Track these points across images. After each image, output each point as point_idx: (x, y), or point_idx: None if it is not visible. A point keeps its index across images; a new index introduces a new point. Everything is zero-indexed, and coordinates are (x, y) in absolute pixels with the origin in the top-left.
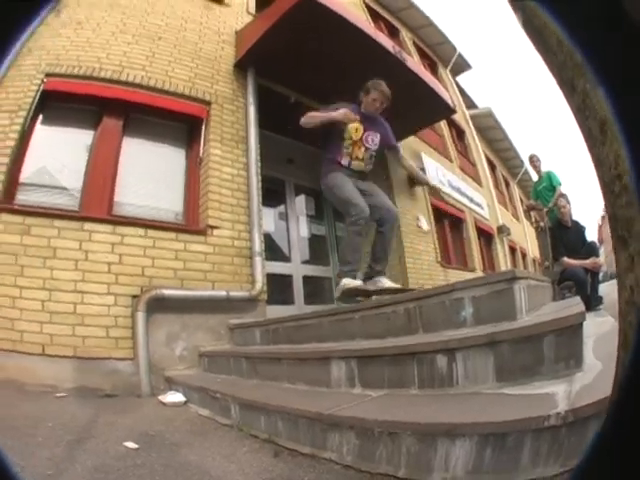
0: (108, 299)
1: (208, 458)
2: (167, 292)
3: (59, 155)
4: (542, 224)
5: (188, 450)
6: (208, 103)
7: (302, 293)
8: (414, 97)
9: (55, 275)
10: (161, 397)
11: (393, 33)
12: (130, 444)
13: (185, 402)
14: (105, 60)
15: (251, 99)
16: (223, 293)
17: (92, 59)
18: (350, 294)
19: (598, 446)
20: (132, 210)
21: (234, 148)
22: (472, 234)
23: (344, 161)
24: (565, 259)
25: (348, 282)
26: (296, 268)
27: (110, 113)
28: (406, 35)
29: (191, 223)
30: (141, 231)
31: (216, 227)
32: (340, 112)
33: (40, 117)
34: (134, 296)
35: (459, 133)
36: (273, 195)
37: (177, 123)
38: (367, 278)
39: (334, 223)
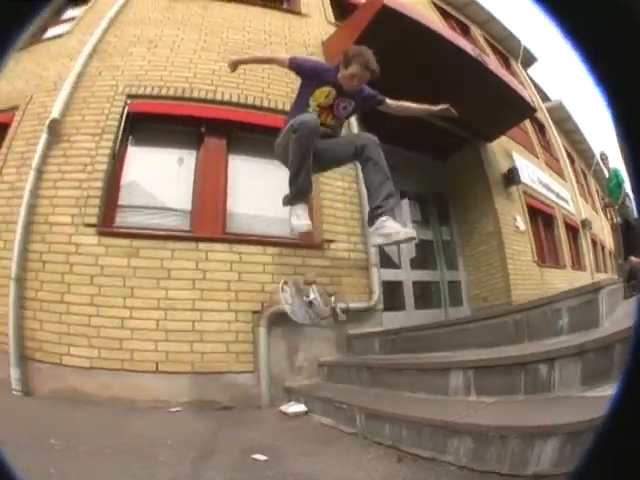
0: (228, 315)
1: (336, 466)
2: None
3: (157, 176)
4: (616, 221)
5: (316, 459)
6: None
7: (412, 298)
8: (497, 99)
9: (170, 295)
10: (283, 407)
11: (465, 31)
12: (259, 456)
13: (306, 412)
14: (194, 80)
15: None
16: (342, 305)
17: (179, 79)
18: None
19: (596, 449)
20: (246, 228)
21: None
22: (562, 230)
23: None
24: (632, 258)
25: (295, 222)
26: (406, 274)
27: (212, 132)
28: (476, 31)
29: (307, 238)
30: (259, 248)
31: (332, 240)
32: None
33: (130, 139)
34: (255, 312)
35: (540, 128)
36: None
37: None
38: (370, 221)
39: (440, 227)
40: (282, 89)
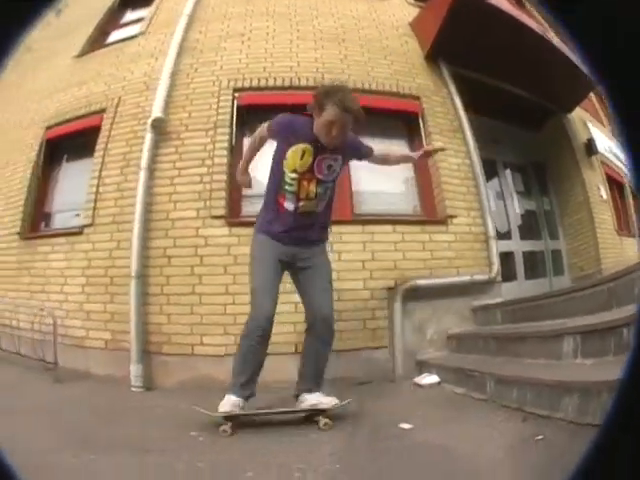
0: (365, 294)
1: (472, 429)
2: (420, 282)
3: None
4: None
5: (455, 424)
6: (417, 98)
7: (522, 268)
8: (565, 74)
9: None
10: (417, 379)
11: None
12: (405, 425)
13: (439, 382)
14: (299, 68)
15: (452, 89)
16: (467, 278)
17: (284, 69)
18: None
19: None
20: (373, 208)
21: (452, 138)
22: (631, 199)
23: (288, 205)
24: None
25: (223, 403)
26: (516, 244)
27: None
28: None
29: (430, 214)
30: (388, 227)
31: (454, 216)
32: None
33: (244, 131)
34: (389, 288)
35: (601, 99)
36: (488, 176)
37: (394, 120)
38: (295, 396)
39: (541, 197)
40: (385, 71)
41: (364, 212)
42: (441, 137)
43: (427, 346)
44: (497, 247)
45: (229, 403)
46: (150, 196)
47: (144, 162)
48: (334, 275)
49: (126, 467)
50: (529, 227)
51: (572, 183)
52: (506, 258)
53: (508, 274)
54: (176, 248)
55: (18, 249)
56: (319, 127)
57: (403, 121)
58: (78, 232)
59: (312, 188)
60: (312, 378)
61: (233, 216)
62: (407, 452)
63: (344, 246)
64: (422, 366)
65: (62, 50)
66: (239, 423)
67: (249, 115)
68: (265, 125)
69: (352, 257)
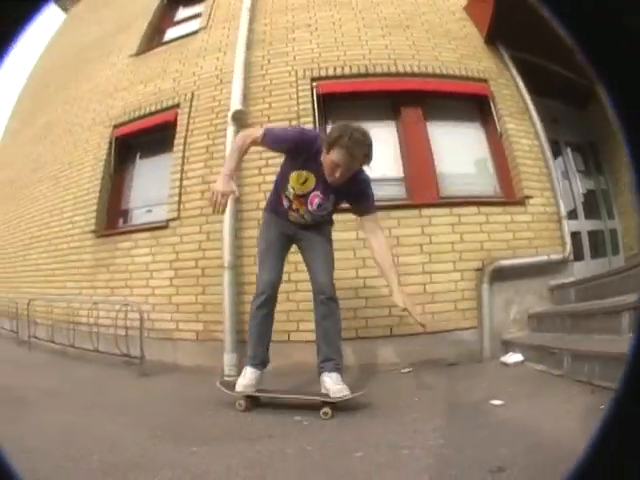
0: (455, 275)
1: (554, 402)
2: (505, 262)
3: None
4: None
5: (538, 399)
6: (485, 80)
7: (588, 248)
8: None
9: (402, 261)
10: (503, 358)
11: None
12: (496, 401)
13: (523, 361)
14: (371, 56)
15: (514, 71)
16: (545, 257)
17: (356, 57)
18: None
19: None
20: (458, 189)
21: (522, 120)
22: None
23: (285, 204)
24: None
25: (242, 383)
26: (582, 224)
27: (406, 104)
28: None
29: (509, 195)
30: (473, 209)
31: (530, 196)
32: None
33: (326, 119)
34: (477, 269)
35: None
36: (553, 156)
37: (465, 103)
38: (318, 374)
39: (598, 176)
40: (451, 55)
41: (450, 194)
42: (511, 119)
43: (511, 326)
44: (569, 227)
45: (245, 378)
46: (239, 187)
47: None
48: (426, 257)
49: (235, 456)
50: (590, 207)
51: (620, 163)
52: (574, 238)
53: (577, 253)
54: None
55: (93, 247)
56: (325, 163)
57: (474, 104)
58: (163, 226)
59: (302, 211)
60: (323, 348)
61: None
62: (500, 426)
63: (434, 229)
64: (507, 345)
65: (115, 50)
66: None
67: (329, 103)
68: (261, 131)
69: (442, 239)
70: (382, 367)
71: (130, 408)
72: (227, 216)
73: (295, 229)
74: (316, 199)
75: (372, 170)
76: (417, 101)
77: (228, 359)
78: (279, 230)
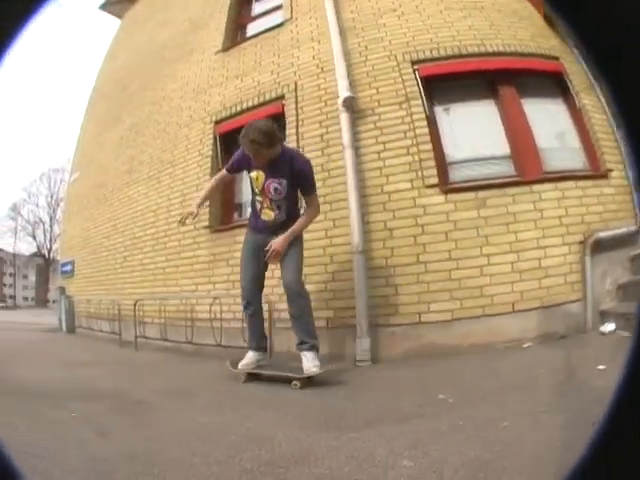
0: (564, 249)
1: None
2: (602, 235)
3: (467, 129)
4: None
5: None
6: (557, 58)
7: None
8: None
9: (519, 237)
10: (602, 328)
11: None
12: (600, 366)
13: (615, 329)
14: (460, 37)
15: (575, 50)
16: (633, 228)
17: (447, 39)
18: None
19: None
20: (555, 165)
21: (592, 95)
22: None
23: (258, 211)
24: None
25: (243, 362)
26: None
27: (500, 82)
28: None
29: (596, 168)
30: (572, 183)
31: (611, 169)
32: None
33: (432, 102)
34: (580, 242)
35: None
36: None
37: (547, 80)
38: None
39: None
40: (525, 34)
41: (550, 170)
42: (585, 95)
43: (605, 296)
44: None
45: (247, 357)
46: (360, 172)
47: (346, 141)
48: (540, 233)
49: (395, 438)
50: None
51: None
52: None
53: None
54: (396, 220)
55: (209, 242)
56: None
57: (553, 81)
58: None
59: (268, 203)
60: (297, 334)
61: (444, 183)
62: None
63: (544, 204)
64: (603, 315)
65: (197, 48)
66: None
67: (431, 84)
68: (223, 171)
69: (551, 214)
70: (504, 344)
71: (266, 402)
72: (353, 201)
73: (266, 237)
74: (270, 186)
75: (474, 149)
76: (509, 79)
77: (361, 344)
78: (255, 244)
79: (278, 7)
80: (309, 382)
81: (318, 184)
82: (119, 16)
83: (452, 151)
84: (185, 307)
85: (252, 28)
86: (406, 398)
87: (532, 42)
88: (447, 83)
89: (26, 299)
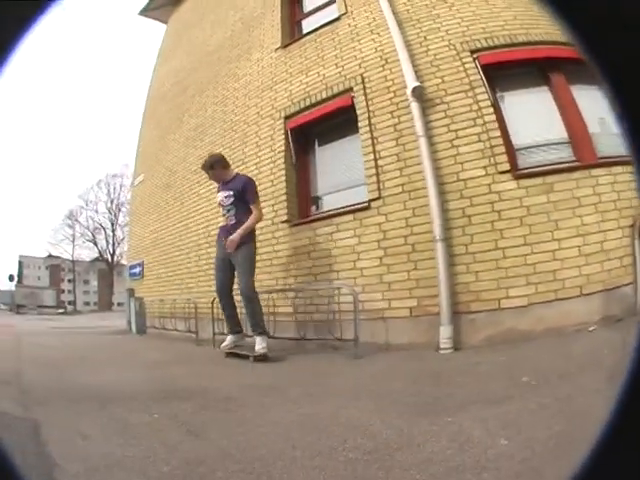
0: (618, 232)
1: None
2: None
3: (527, 115)
4: None
5: None
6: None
7: None
8: None
9: (584, 221)
10: None
11: None
12: None
13: None
14: (507, 26)
15: None
16: None
17: (497, 29)
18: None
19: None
20: (605, 149)
21: None
22: None
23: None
24: None
25: (223, 345)
26: None
27: (551, 70)
28: None
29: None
30: (621, 168)
31: None
32: None
33: (494, 89)
34: (630, 226)
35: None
36: None
37: (582, 67)
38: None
39: None
40: (545, 23)
41: (601, 154)
42: None
43: None
44: None
45: (227, 340)
46: (435, 161)
47: (419, 130)
48: (600, 217)
49: (489, 418)
50: None
51: None
52: None
53: None
54: (473, 207)
55: (288, 236)
56: None
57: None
58: (365, 207)
59: (223, 212)
60: (250, 325)
61: (515, 169)
62: None
63: (601, 188)
64: None
65: (255, 46)
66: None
67: (492, 73)
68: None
69: (607, 198)
70: (573, 327)
71: (359, 391)
72: (431, 190)
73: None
74: (222, 195)
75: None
76: (557, 67)
77: (444, 332)
78: (219, 254)
79: (332, 1)
80: (263, 358)
81: (395, 174)
82: (162, 20)
83: (517, 137)
84: (265, 302)
85: (308, 24)
86: (493, 382)
87: (551, 29)
88: (503, 71)
89: (87, 304)
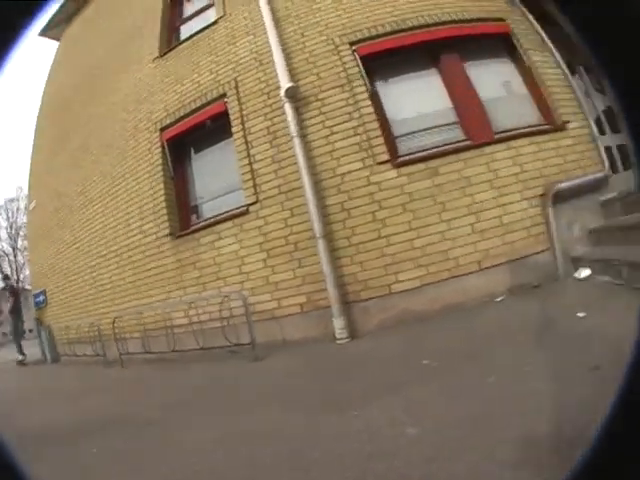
0: (523, 204)
1: (620, 309)
2: (562, 185)
3: (412, 101)
4: None
5: (612, 306)
6: (503, 19)
7: (620, 162)
8: None
9: (476, 199)
10: (576, 274)
11: None
12: (580, 314)
13: (590, 274)
14: (397, 12)
15: (523, 7)
16: (592, 176)
17: (385, 16)
18: None
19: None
20: (507, 123)
21: (543, 51)
22: None
23: None
24: None
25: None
26: (611, 139)
27: (442, 52)
28: None
29: (551, 122)
30: (525, 140)
31: (568, 121)
32: None
33: (375, 80)
34: (541, 195)
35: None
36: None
37: (493, 42)
38: None
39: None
40: (474, 3)
41: (502, 129)
42: (534, 52)
43: (576, 243)
44: (604, 147)
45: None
46: (311, 159)
47: (293, 130)
48: (496, 192)
49: (397, 407)
50: (613, 122)
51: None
52: (608, 153)
53: (613, 167)
54: (352, 200)
55: (173, 249)
56: None
57: (500, 42)
58: (244, 212)
59: None
60: None
61: (394, 157)
62: (588, 334)
63: (497, 164)
64: (576, 262)
65: (133, 57)
66: None
67: (371, 62)
68: None
69: (506, 173)
70: (476, 301)
71: (263, 395)
72: (308, 188)
73: None
74: None
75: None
76: (451, 47)
77: (338, 323)
78: None
79: (209, 6)
80: None
81: (270, 176)
82: (58, 39)
83: (399, 125)
84: (161, 317)
85: (186, 30)
86: (394, 368)
87: (477, 7)
88: (388, 59)
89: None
